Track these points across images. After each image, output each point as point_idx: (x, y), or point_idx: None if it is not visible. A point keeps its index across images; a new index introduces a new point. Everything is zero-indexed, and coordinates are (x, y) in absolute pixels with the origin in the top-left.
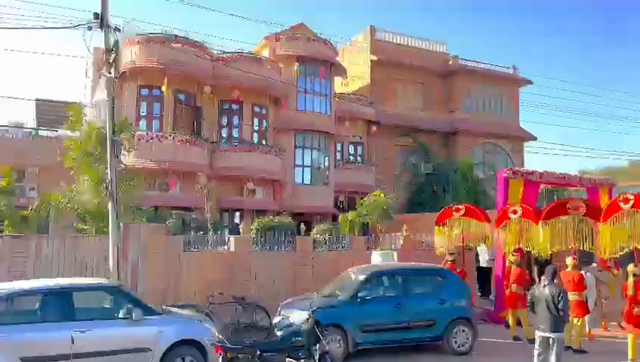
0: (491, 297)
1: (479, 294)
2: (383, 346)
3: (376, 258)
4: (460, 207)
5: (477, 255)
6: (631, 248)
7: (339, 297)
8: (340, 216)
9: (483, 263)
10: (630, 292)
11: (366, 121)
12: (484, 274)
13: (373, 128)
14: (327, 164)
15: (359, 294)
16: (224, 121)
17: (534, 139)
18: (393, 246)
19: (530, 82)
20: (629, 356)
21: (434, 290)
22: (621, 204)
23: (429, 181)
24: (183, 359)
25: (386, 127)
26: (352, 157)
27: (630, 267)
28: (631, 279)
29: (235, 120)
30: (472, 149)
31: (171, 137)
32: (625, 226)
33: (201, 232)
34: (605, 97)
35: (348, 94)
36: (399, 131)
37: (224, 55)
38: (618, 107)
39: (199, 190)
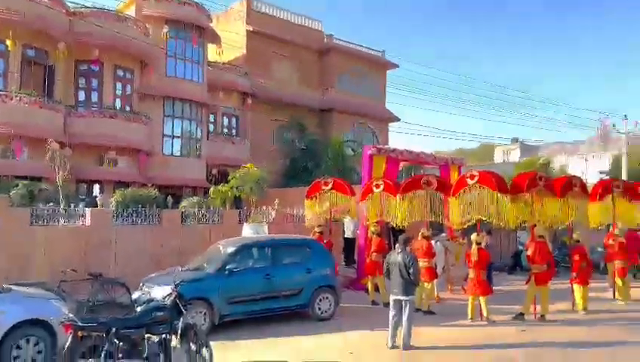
0: (355, 266)
1: (344, 263)
2: (252, 316)
3: (247, 230)
4: (328, 181)
5: (344, 226)
6: (475, 220)
7: (206, 270)
8: (211, 189)
9: (348, 234)
10: (474, 258)
11: (241, 92)
12: (349, 244)
13: (249, 101)
14: (199, 135)
15: (227, 266)
16: (81, 83)
17: (398, 120)
18: (266, 219)
19: (396, 66)
20: (469, 315)
21: (301, 261)
22: (468, 180)
23: (303, 156)
24: (28, 340)
25: (261, 101)
26: (226, 130)
27: (473, 236)
28: (474, 247)
29: (95, 82)
30: (343, 127)
31: (17, 98)
32: (470, 200)
33: (51, 204)
34: (460, 83)
35: (222, 63)
36: (275, 106)
37: (82, 10)
38: (468, 92)
39: (50, 158)
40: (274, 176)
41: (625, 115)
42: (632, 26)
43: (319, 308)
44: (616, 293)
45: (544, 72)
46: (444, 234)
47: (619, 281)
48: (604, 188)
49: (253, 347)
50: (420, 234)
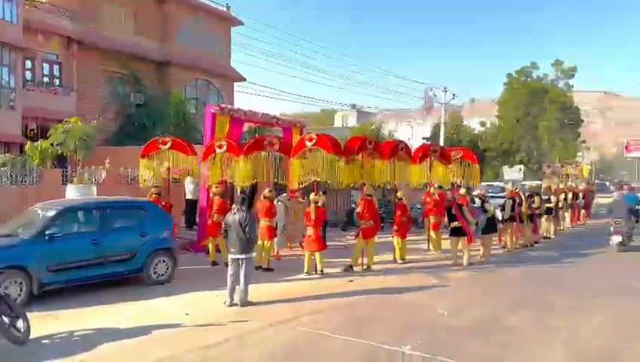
0: (196, 228)
1: (185, 226)
2: (78, 284)
3: (72, 193)
4: (166, 139)
5: (185, 188)
6: (313, 180)
7: (21, 236)
8: (27, 145)
9: (190, 196)
10: (312, 216)
11: (65, 37)
12: (191, 206)
13: (75, 47)
14: (13, 83)
15: (47, 232)
16: None
17: (243, 79)
18: (94, 180)
19: (241, 23)
20: (305, 269)
21: (135, 224)
22: (307, 143)
23: (140, 113)
24: None
25: (91, 49)
26: (46, 79)
27: (312, 196)
28: (312, 206)
29: None
30: (185, 84)
31: None
32: (309, 161)
33: None
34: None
35: (41, 2)
36: (107, 55)
37: None
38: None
39: None
40: (106, 134)
41: (445, 88)
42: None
43: (155, 272)
44: (430, 244)
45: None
46: (285, 194)
47: (432, 234)
48: (424, 153)
49: (78, 316)
50: (264, 194)
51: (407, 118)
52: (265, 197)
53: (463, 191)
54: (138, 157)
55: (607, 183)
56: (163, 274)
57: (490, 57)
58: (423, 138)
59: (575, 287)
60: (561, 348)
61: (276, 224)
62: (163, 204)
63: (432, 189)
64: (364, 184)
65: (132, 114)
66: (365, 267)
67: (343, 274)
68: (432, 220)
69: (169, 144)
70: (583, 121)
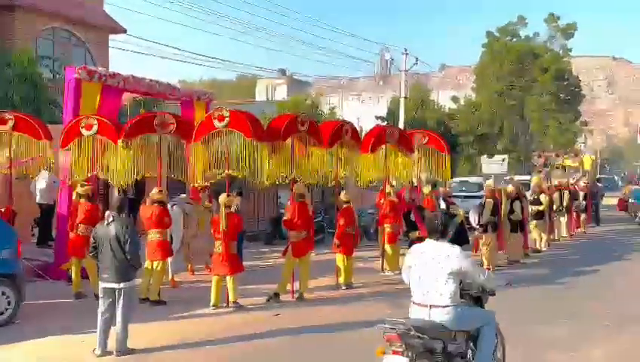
0: (52, 244)
1: (35, 242)
2: None
3: None
4: (6, 117)
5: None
6: (223, 175)
7: None
8: None
9: (41, 199)
10: (223, 227)
11: None
12: (46, 213)
13: None
14: None
15: None
16: None
17: (124, 31)
18: None
19: None
20: (212, 301)
21: None
22: (216, 122)
23: None
24: None
25: None
26: None
27: (222, 198)
28: (223, 211)
29: None
30: (36, 36)
31: None
32: (219, 148)
33: None
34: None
35: None
36: None
37: None
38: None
39: None
40: None
41: (405, 49)
42: None
43: None
44: (386, 263)
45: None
46: (183, 195)
47: (388, 248)
48: (377, 138)
49: None
50: (152, 196)
51: (355, 89)
52: (154, 201)
53: (427, 189)
54: None
55: (616, 178)
56: (2, 313)
57: (468, 11)
58: (377, 118)
59: (576, 316)
60: None
61: (171, 238)
62: (1, 210)
63: (388, 188)
64: (296, 181)
65: None
66: (297, 296)
67: (265, 306)
68: (387, 230)
69: (10, 123)
70: (584, 95)
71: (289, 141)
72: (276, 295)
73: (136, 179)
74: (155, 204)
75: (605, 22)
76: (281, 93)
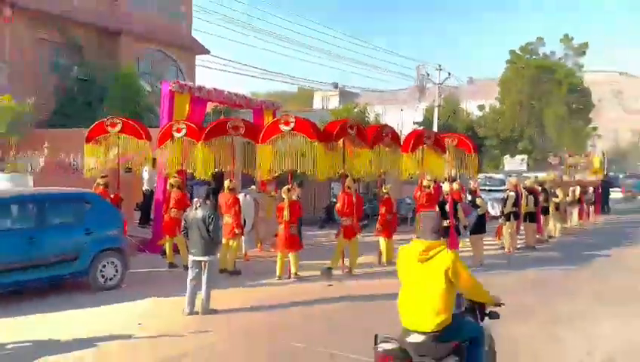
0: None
1: (138, 222)
2: (11, 289)
3: (4, 183)
4: (116, 121)
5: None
6: (286, 170)
7: None
8: None
9: (147, 187)
10: (286, 212)
11: None
12: (148, 199)
13: (7, 11)
14: None
15: None
16: None
17: (207, 52)
18: (31, 168)
19: None
20: (277, 273)
21: (78, 219)
22: (282, 127)
23: (83, 89)
24: None
25: (24, 12)
26: None
27: (285, 189)
28: (286, 200)
29: None
30: (137, 56)
31: None
32: (283, 148)
33: None
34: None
35: None
36: (44, 20)
37: None
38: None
39: None
40: (43, 113)
41: (439, 65)
42: None
43: (102, 276)
44: None
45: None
46: (253, 187)
47: None
48: (415, 140)
49: (11, 326)
50: (226, 186)
51: (396, 100)
52: (229, 190)
53: (456, 185)
54: (82, 141)
55: (621, 176)
56: (111, 278)
57: (493, 31)
58: (415, 123)
59: (583, 293)
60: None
61: (244, 221)
62: (111, 196)
63: (425, 182)
64: (346, 175)
65: (73, 90)
66: (346, 270)
67: (320, 278)
68: None
69: (118, 126)
70: (594, 105)
71: (340, 142)
72: (329, 269)
73: (217, 172)
74: (229, 192)
75: (614, 40)
76: (334, 103)
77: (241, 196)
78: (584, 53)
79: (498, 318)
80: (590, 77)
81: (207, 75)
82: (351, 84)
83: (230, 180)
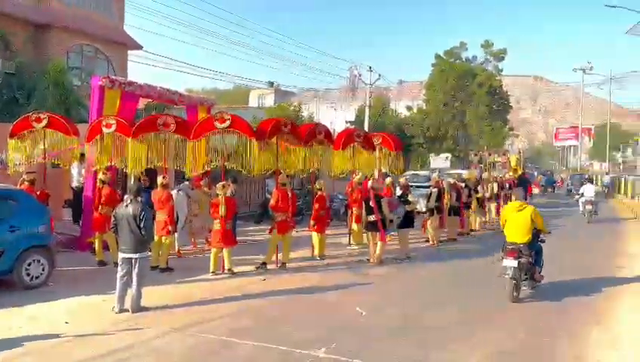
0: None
1: (69, 219)
2: None
3: None
4: (41, 116)
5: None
6: (219, 166)
7: None
8: None
9: (75, 183)
10: (220, 208)
11: None
12: (78, 195)
13: None
14: None
15: None
16: None
17: (140, 47)
18: None
19: None
20: (211, 268)
21: (2, 217)
22: (217, 124)
23: (10, 83)
24: None
25: None
26: None
27: (219, 185)
28: (221, 196)
29: None
30: (67, 50)
31: None
32: (216, 145)
33: None
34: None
35: None
36: None
37: None
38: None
39: None
40: None
41: (370, 67)
42: None
43: (28, 274)
44: (351, 238)
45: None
46: (186, 183)
47: (355, 227)
48: (347, 138)
49: None
50: (159, 182)
51: (329, 99)
52: (162, 186)
53: (388, 180)
54: (6, 136)
55: (536, 173)
56: (38, 277)
57: (422, 35)
58: (347, 122)
59: (501, 281)
60: (479, 345)
61: (177, 217)
62: (37, 193)
63: (356, 178)
64: (280, 172)
65: (0, 84)
66: (280, 264)
67: (255, 273)
68: (355, 212)
69: (44, 122)
70: (511, 106)
71: (274, 139)
72: (264, 264)
73: (149, 169)
74: (162, 189)
75: (530, 47)
76: (270, 102)
77: (174, 192)
78: (503, 58)
79: (544, 242)
80: (509, 80)
81: (140, 71)
82: (286, 83)
83: (163, 176)
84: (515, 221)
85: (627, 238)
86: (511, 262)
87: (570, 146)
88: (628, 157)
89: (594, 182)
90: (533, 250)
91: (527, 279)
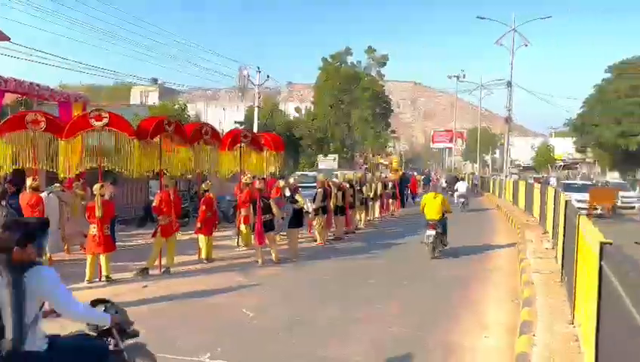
0: None
1: None
2: None
3: None
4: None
5: None
6: (95, 166)
7: None
8: None
9: None
10: (97, 212)
11: None
12: None
13: None
14: None
15: None
16: None
17: (7, 39)
18: None
19: None
20: (87, 276)
21: None
22: (92, 121)
23: None
24: None
25: None
26: None
27: (96, 187)
28: (98, 199)
29: None
30: None
31: None
32: (93, 144)
33: None
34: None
35: None
36: None
37: None
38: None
39: None
40: None
41: (258, 68)
42: None
43: None
44: (240, 240)
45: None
46: (57, 184)
47: (243, 228)
48: (233, 139)
49: None
50: (28, 185)
51: (218, 99)
52: (30, 188)
53: (281, 182)
54: None
55: (415, 174)
56: None
57: (311, 37)
58: (236, 122)
59: (383, 277)
60: (364, 339)
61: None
62: None
63: (244, 179)
64: (163, 173)
65: None
66: (164, 270)
67: (135, 280)
68: (243, 213)
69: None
70: (392, 110)
71: (157, 139)
72: (145, 270)
73: (17, 170)
74: (31, 192)
75: (411, 54)
76: (154, 99)
77: (44, 195)
78: (385, 64)
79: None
80: (391, 85)
81: (11, 65)
82: (173, 81)
83: (33, 178)
84: (432, 205)
85: (490, 220)
86: (431, 232)
87: (446, 148)
88: (496, 159)
89: (465, 180)
90: (442, 224)
91: (440, 243)
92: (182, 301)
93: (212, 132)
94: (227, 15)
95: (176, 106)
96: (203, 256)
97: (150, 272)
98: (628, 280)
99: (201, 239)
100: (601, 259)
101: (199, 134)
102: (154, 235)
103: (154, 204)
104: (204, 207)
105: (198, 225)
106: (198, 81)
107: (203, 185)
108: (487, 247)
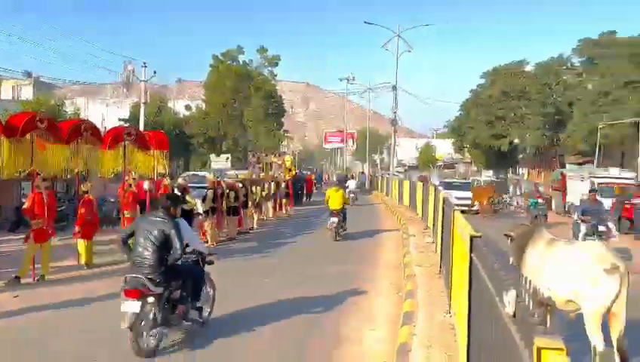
0: None
1: None
2: None
3: None
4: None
5: None
6: None
7: None
8: None
9: None
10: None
11: None
12: None
13: None
14: None
15: None
16: None
17: None
18: None
19: None
20: None
21: None
22: None
23: None
24: None
25: None
26: None
27: None
28: None
29: None
30: None
31: None
32: None
33: None
34: None
35: None
36: None
37: None
38: None
39: None
40: None
41: (144, 63)
42: None
43: None
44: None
45: None
46: None
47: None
48: (115, 136)
49: None
50: None
51: (101, 94)
52: None
53: (168, 181)
54: None
55: (308, 172)
56: None
57: (201, 35)
58: (120, 119)
59: (275, 277)
60: (259, 343)
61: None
62: None
63: (129, 180)
64: (37, 173)
65: None
66: (38, 277)
67: (5, 289)
68: (126, 215)
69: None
70: (285, 110)
71: (29, 136)
72: (17, 278)
73: None
74: None
75: (304, 55)
76: (27, 94)
77: None
78: (277, 64)
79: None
80: (284, 85)
81: None
82: (50, 74)
83: None
84: (334, 197)
85: (377, 212)
86: (334, 219)
87: (338, 148)
88: (384, 158)
89: (356, 178)
90: (343, 213)
91: (341, 228)
92: (56, 311)
93: (92, 130)
94: (110, 12)
95: (53, 102)
96: (82, 262)
97: (22, 281)
98: (493, 273)
99: (80, 244)
100: (471, 251)
101: (78, 132)
102: (26, 240)
103: (24, 206)
104: (83, 210)
105: (77, 229)
106: (80, 76)
107: (82, 186)
108: (375, 233)
